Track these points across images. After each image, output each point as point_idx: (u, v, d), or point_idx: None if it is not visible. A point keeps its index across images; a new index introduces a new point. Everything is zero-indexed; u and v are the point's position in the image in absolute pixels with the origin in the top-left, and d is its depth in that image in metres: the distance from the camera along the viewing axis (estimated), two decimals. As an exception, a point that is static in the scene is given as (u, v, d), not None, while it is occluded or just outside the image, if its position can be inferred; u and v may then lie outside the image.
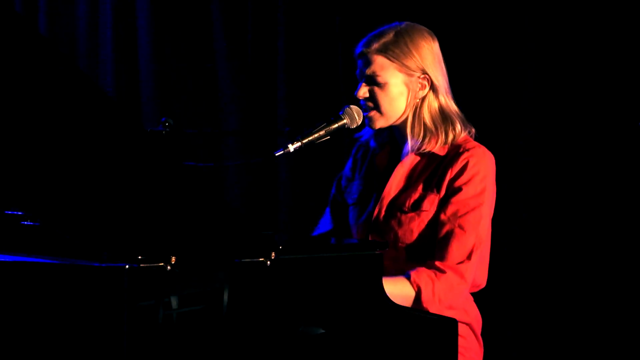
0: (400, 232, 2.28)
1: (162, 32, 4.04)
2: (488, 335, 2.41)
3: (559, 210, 3.18)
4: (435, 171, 2.30)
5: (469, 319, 2.30)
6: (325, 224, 2.57)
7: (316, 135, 2.31)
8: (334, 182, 2.58)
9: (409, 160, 2.34)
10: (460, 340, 2.22)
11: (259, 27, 3.82)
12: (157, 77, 4.04)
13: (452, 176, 2.26)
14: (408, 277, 2.14)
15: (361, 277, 1.94)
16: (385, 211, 2.32)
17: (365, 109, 2.35)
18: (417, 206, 2.27)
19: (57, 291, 1.72)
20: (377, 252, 1.98)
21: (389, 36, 2.32)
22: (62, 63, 1.48)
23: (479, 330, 2.34)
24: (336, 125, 2.33)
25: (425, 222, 2.26)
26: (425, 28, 2.37)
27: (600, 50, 3.10)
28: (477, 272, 2.29)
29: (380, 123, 2.35)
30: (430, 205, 2.26)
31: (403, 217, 2.28)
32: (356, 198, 2.44)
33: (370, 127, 2.37)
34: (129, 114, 1.59)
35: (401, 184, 2.34)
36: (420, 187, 2.29)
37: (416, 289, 2.13)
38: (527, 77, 3.22)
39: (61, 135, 1.59)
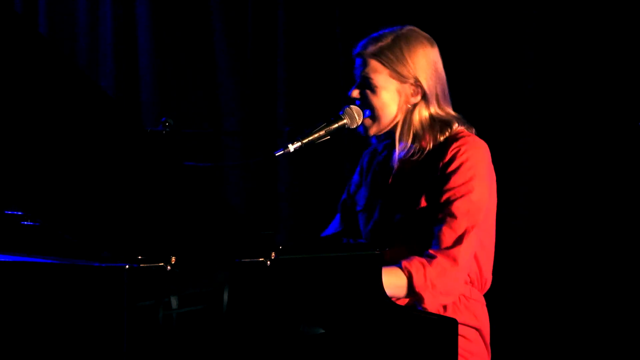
0: (407, 233, 2.28)
1: (162, 31, 4.04)
2: (495, 341, 2.39)
3: (559, 211, 3.18)
4: (428, 166, 2.30)
5: (479, 323, 2.29)
6: (334, 226, 2.58)
7: (316, 135, 2.31)
8: (345, 188, 2.60)
9: (404, 163, 2.35)
10: (467, 344, 2.23)
11: (259, 26, 3.82)
12: (157, 76, 4.04)
13: (442, 165, 2.27)
14: (400, 266, 2.15)
15: (361, 277, 1.94)
16: (389, 216, 2.33)
17: None
18: (416, 204, 2.28)
19: (57, 291, 1.72)
20: (376, 252, 1.98)
21: (387, 40, 2.32)
22: (62, 63, 1.48)
23: (487, 336, 2.32)
24: (336, 125, 2.33)
25: (427, 218, 2.26)
26: (426, 34, 2.37)
27: (600, 50, 3.10)
28: (484, 267, 2.30)
29: (373, 130, 2.36)
30: (427, 200, 2.27)
31: (406, 219, 2.29)
32: (363, 205, 2.45)
33: (365, 135, 2.38)
34: (129, 113, 1.59)
35: (400, 187, 2.34)
36: (417, 186, 2.30)
37: (407, 274, 2.13)
38: (528, 76, 3.21)
39: (61, 135, 1.59)
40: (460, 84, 2.58)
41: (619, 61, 3.07)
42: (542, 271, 3.21)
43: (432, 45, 2.35)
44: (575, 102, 3.15)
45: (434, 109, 2.33)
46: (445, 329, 2.06)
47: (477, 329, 2.29)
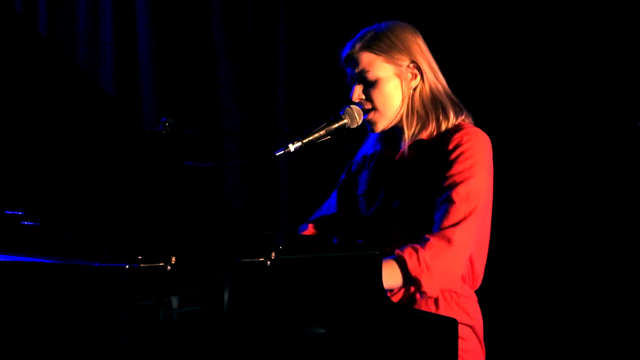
0: (409, 222, 2.27)
1: (162, 32, 4.04)
2: (489, 338, 2.39)
3: (559, 210, 3.18)
4: (432, 155, 2.30)
5: (472, 321, 2.29)
6: (329, 208, 2.57)
7: (316, 135, 2.31)
8: (345, 168, 2.58)
9: (409, 152, 2.35)
10: (462, 343, 2.22)
11: (259, 26, 3.82)
12: (157, 77, 4.04)
13: (444, 154, 2.26)
14: (393, 257, 2.15)
15: (361, 277, 1.94)
16: (392, 204, 2.32)
17: (364, 112, 2.36)
18: (420, 193, 2.27)
19: (57, 291, 1.72)
20: (376, 252, 1.98)
21: (371, 34, 2.34)
22: (62, 63, 1.48)
23: (481, 334, 2.33)
24: (336, 125, 2.33)
25: (430, 206, 2.25)
26: (407, 23, 2.39)
27: (601, 49, 3.10)
28: (477, 263, 2.29)
29: (381, 124, 2.35)
30: (430, 189, 2.26)
31: (408, 207, 2.28)
32: (365, 190, 2.44)
33: (372, 130, 2.37)
34: (129, 113, 1.59)
35: (404, 175, 2.34)
36: (421, 175, 2.30)
37: (400, 261, 2.13)
38: (528, 76, 3.21)
39: (61, 135, 1.59)
40: (462, 81, 2.58)
41: (619, 60, 3.07)
42: (540, 269, 3.21)
43: (415, 32, 2.39)
44: (575, 101, 3.15)
45: (434, 86, 2.34)
46: (445, 329, 2.06)
47: (470, 326, 2.29)
